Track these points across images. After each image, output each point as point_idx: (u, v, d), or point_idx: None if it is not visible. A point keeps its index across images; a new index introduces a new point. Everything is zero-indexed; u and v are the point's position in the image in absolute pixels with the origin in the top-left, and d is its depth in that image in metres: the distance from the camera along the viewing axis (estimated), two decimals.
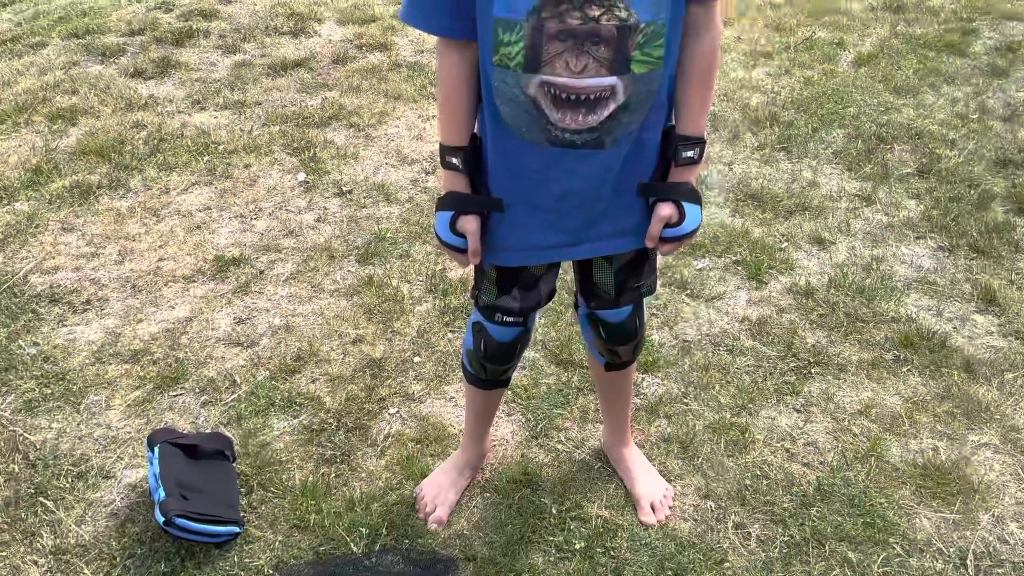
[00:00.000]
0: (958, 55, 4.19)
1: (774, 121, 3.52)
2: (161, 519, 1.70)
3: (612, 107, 1.30)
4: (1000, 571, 1.75)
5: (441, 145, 1.44)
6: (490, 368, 1.70)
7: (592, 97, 1.29)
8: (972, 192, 3.02)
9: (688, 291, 2.56)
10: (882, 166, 3.20)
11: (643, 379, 2.23)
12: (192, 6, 4.61)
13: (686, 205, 1.42)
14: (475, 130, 1.44)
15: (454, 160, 1.42)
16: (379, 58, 4.09)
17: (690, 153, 1.40)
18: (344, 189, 3.05)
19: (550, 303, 1.68)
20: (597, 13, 1.23)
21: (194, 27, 4.33)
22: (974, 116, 3.58)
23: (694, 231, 1.46)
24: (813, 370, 2.26)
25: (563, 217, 1.44)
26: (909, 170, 3.18)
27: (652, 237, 1.45)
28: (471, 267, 1.55)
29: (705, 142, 1.42)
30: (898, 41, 4.35)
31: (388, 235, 2.79)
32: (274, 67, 3.96)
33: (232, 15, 4.54)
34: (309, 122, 3.48)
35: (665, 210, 1.42)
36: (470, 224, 1.44)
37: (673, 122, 1.43)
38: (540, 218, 1.45)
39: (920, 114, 3.59)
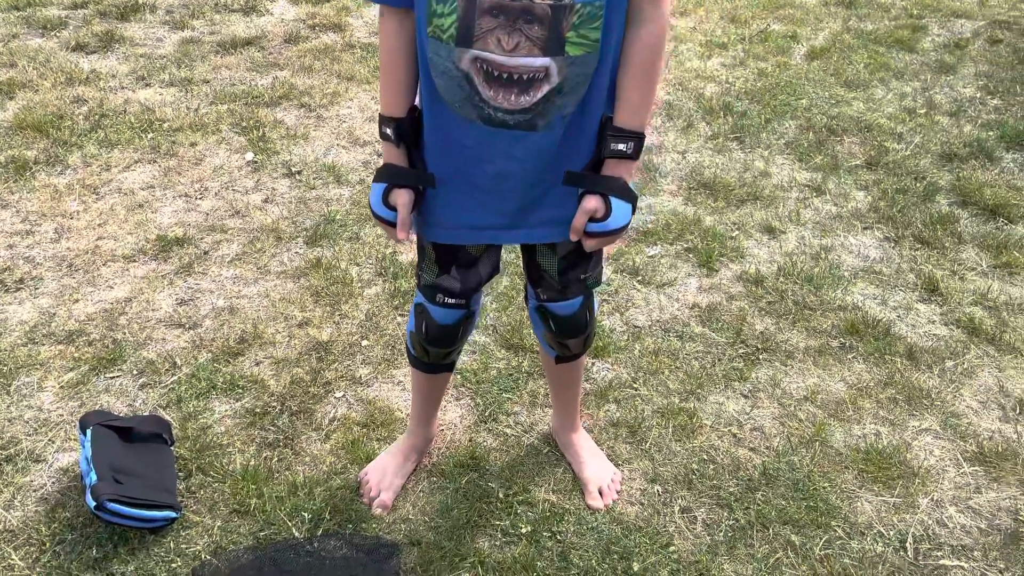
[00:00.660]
0: (907, 51, 4.26)
1: (728, 111, 3.53)
2: (92, 503, 1.63)
3: (546, 89, 1.27)
4: (939, 554, 1.78)
5: (380, 115, 1.41)
6: (432, 351, 1.67)
7: (525, 77, 1.26)
8: (918, 184, 3.08)
9: (639, 277, 2.55)
10: (832, 158, 3.24)
11: (593, 364, 2.22)
12: None
13: (613, 200, 1.37)
14: (417, 102, 1.41)
15: (387, 130, 1.40)
16: (332, 38, 4.01)
17: (621, 146, 1.34)
18: (293, 170, 2.98)
19: (493, 282, 1.64)
20: None
21: (140, 1, 4.20)
22: (922, 111, 3.65)
23: (621, 229, 1.40)
24: (761, 356, 2.27)
25: (499, 199, 1.41)
26: (858, 162, 3.23)
27: (575, 230, 1.40)
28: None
29: (643, 137, 1.35)
30: (850, 36, 4.41)
31: (338, 217, 2.74)
32: (223, 45, 3.86)
33: None
34: (259, 101, 3.40)
35: (590, 203, 1.37)
36: (401, 197, 1.41)
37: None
38: (476, 198, 1.42)
39: (870, 107, 3.65)
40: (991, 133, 3.47)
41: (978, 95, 3.83)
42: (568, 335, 1.66)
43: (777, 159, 3.23)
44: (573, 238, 1.42)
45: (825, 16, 4.67)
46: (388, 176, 1.42)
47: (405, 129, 1.40)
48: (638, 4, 1.28)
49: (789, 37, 4.34)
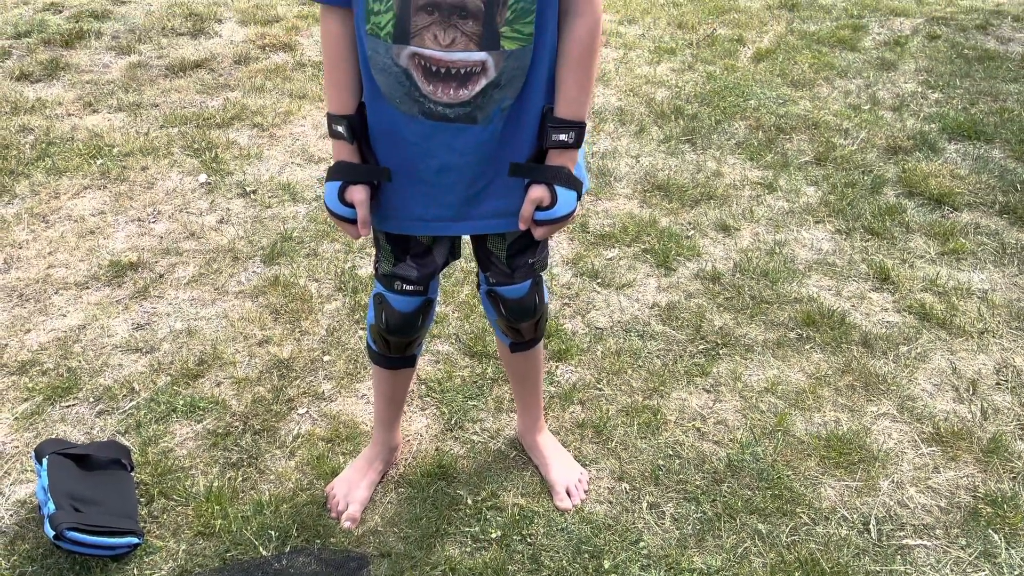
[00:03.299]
0: (850, 50, 4.37)
1: (679, 114, 3.59)
2: (51, 533, 1.60)
3: (483, 82, 1.29)
4: (901, 534, 1.81)
5: (328, 114, 1.42)
6: (393, 341, 1.67)
7: (463, 71, 1.28)
8: (865, 178, 3.15)
9: (599, 280, 2.58)
10: (782, 155, 3.31)
11: (557, 367, 2.23)
12: (83, 7, 4.42)
13: (558, 189, 1.40)
14: (364, 98, 1.42)
15: (339, 128, 1.40)
16: (283, 58, 4.00)
17: (563, 136, 1.36)
18: (248, 189, 2.96)
19: (451, 272, 1.65)
20: None
21: (85, 28, 4.15)
22: (866, 107, 3.74)
23: (567, 215, 1.42)
24: (721, 351, 2.30)
25: (443, 192, 1.43)
26: (807, 158, 3.29)
27: (524, 219, 1.43)
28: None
29: (583, 126, 1.38)
30: (794, 37, 4.51)
31: (295, 234, 2.73)
32: (172, 68, 3.82)
33: (126, 16, 4.37)
34: (210, 123, 3.37)
35: (536, 192, 1.40)
36: (358, 194, 1.42)
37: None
38: (422, 190, 1.43)
39: (816, 106, 3.73)
40: (933, 125, 3.56)
41: (919, 89, 3.94)
42: (519, 318, 1.68)
43: (729, 159, 3.28)
44: (522, 227, 1.44)
45: (769, 19, 4.77)
46: (342, 173, 1.42)
47: (356, 125, 1.40)
48: None
49: (735, 40, 4.42)
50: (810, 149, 3.36)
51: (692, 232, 2.82)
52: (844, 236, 2.82)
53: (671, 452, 1.99)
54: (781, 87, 3.90)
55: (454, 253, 1.63)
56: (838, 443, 2.01)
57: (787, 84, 3.94)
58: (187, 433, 2.01)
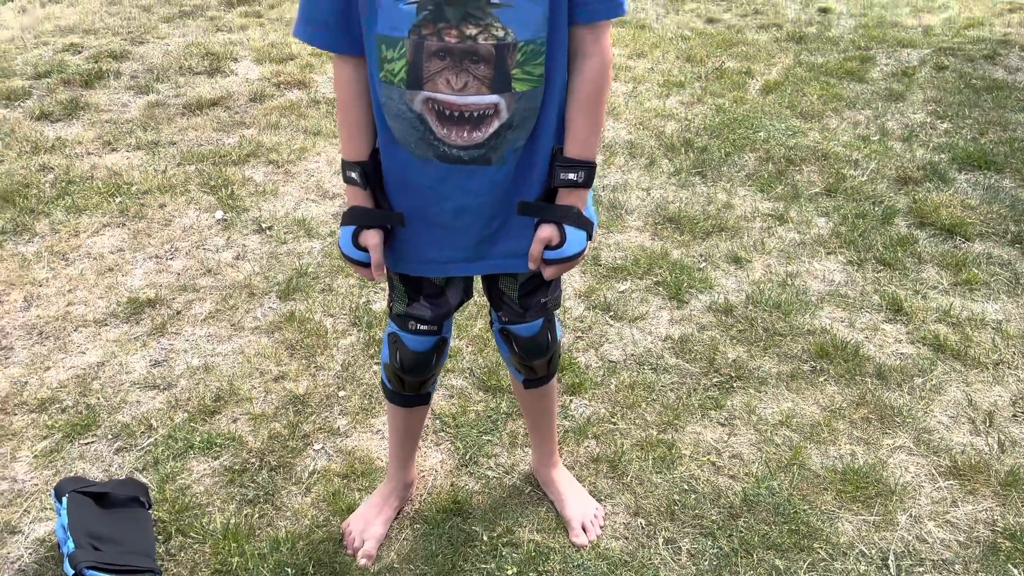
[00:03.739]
0: (858, 81, 4.41)
1: (689, 147, 3.62)
2: (71, 572, 1.61)
3: (496, 124, 1.32)
4: (921, 570, 1.80)
5: (343, 160, 1.44)
6: (408, 380, 1.68)
7: (476, 114, 1.31)
8: (876, 209, 3.16)
9: (612, 313, 2.59)
10: (792, 187, 3.32)
11: (571, 401, 2.24)
12: (102, 47, 4.52)
13: (568, 228, 1.41)
14: (377, 144, 1.45)
15: (353, 175, 1.43)
16: (297, 95, 4.07)
17: (572, 176, 1.38)
18: (264, 226, 3.00)
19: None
20: (474, 32, 1.25)
21: (104, 68, 4.24)
22: (875, 138, 3.76)
23: (577, 255, 1.43)
24: (735, 384, 2.30)
25: (458, 234, 1.45)
26: (817, 190, 3.31)
27: (533, 258, 1.44)
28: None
29: (593, 165, 1.40)
30: (802, 69, 4.55)
31: (310, 270, 2.76)
32: (189, 106, 3.89)
33: (144, 55, 4.46)
34: (227, 160, 3.43)
35: (544, 231, 1.41)
36: (372, 238, 1.44)
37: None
38: (436, 233, 1.46)
39: (825, 137, 3.75)
40: (943, 156, 3.58)
41: (928, 120, 3.96)
42: (532, 356, 1.69)
43: (739, 191, 3.30)
44: (531, 266, 1.46)
45: (777, 52, 4.82)
46: (356, 218, 1.45)
47: (369, 171, 1.43)
48: (580, 39, 1.34)
49: (744, 73, 4.47)
50: (820, 180, 3.38)
51: (704, 264, 2.83)
52: (856, 267, 2.83)
53: (686, 487, 1.99)
54: (790, 119, 3.93)
55: (468, 292, 1.65)
56: (854, 477, 2.00)
57: (796, 116, 3.97)
58: (204, 470, 2.02)
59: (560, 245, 1.42)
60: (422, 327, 1.60)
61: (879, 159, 3.55)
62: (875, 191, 3.29)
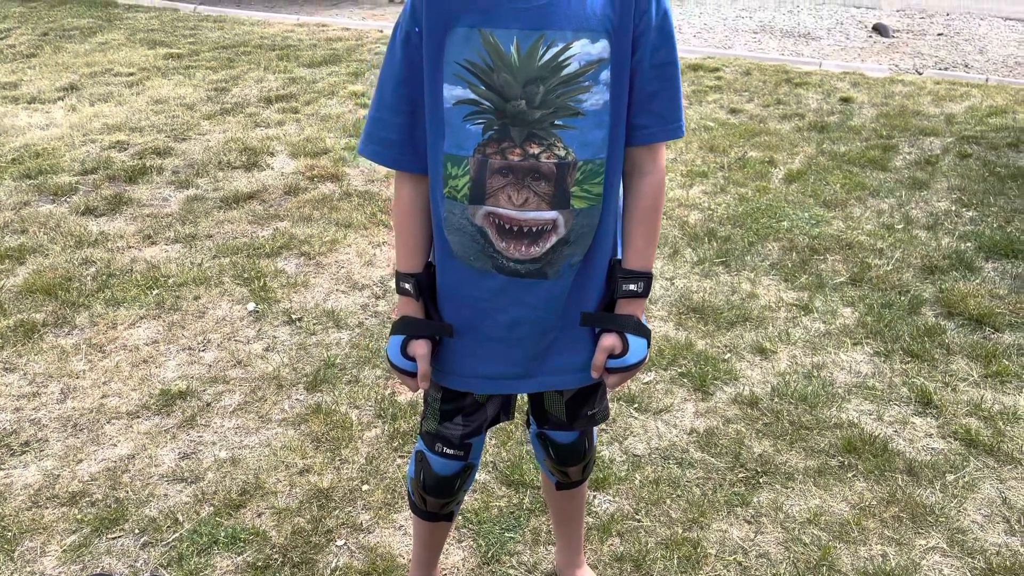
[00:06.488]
0: (881, 169, 4.45)
1: (712, 237, 3.66)
2: None
3: (554, 239, 1.36)
4: None
5: (397, 271, 1.49)
6: (430, 501, 1.69)
7: (535, 229, 1.35)
8: (902, 298, 3.15)
9: (636, 405, 2.59)
10: (816, 276, 3.33)
11: (594, 497, 2.22)
12: (147, 144, 4.73)
13: (629, 337, 1.45)
14: (431, 258, 1.50)
15: (406, 286, 1.47)
16: (330, 188, 4.21)
17: (632, 287, 1.43)
18: (294, 317, 3.07)
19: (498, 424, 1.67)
20: (537, 151, 1.31)
21: (147, 164, 4.43)
22: (899, 226, 3.77)
23: (639, 363, 1.47)
24: (761, 480, 2.27)
25: (512, 348, 1.47)
26: (842, 279, 3.32)
27: (596, 367, 1.47)
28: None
29: (651, 276, 1.46)
30: (824, 158, 4.61)
31: (337, 361, 2.80)
32: (226, 200, 4.04)
33: (186, 151, 4.66)
34: (260, 252, 3.53)
35: (608, 340, 1.45)
36: (420, 348, 1.47)
37: (620, 255, 1.48)
38: (489, 348, 1.48)
39: (849, 226, 3.78)
40: (969, 244, 3.58)
41: (953, 208, 3.97)
42: (567, 463, 1.69)
43: (763, 280, 3.32)
44: (594, 375, 1.48)
45: (799, 141, 4.89)
46: (406, 328, 1.48)
47: (423, 283, 1.47)
48: (638, 159, 1.40)
49: (766, 162, 4.54)
50: (845, 269, 3.39)
51: (728, 355, 2.83)
52: (883, 358, 2.81)
53: None
54: (813, 207, 3.97)
55: (507, 413, 1.64)
56: None
57: (819, 204, 4.00)
58: (227, 566, 2.02)
59: (623, 354, 1.45)
60: (448, 450, 1.60)
61: (904, 248, 3.55)
62: (901, 280, 3.29)
